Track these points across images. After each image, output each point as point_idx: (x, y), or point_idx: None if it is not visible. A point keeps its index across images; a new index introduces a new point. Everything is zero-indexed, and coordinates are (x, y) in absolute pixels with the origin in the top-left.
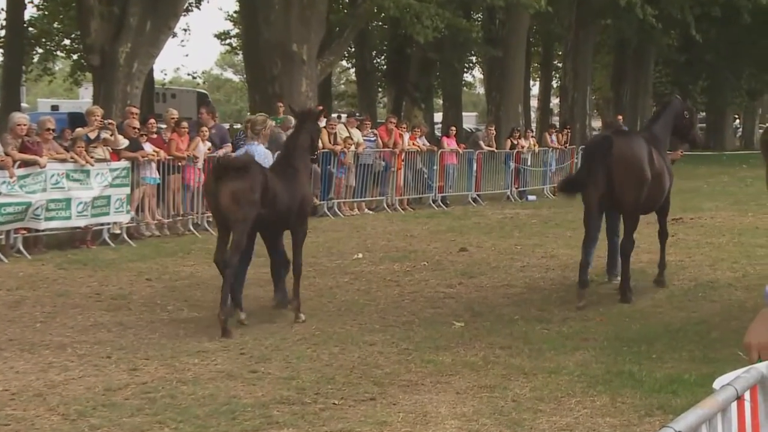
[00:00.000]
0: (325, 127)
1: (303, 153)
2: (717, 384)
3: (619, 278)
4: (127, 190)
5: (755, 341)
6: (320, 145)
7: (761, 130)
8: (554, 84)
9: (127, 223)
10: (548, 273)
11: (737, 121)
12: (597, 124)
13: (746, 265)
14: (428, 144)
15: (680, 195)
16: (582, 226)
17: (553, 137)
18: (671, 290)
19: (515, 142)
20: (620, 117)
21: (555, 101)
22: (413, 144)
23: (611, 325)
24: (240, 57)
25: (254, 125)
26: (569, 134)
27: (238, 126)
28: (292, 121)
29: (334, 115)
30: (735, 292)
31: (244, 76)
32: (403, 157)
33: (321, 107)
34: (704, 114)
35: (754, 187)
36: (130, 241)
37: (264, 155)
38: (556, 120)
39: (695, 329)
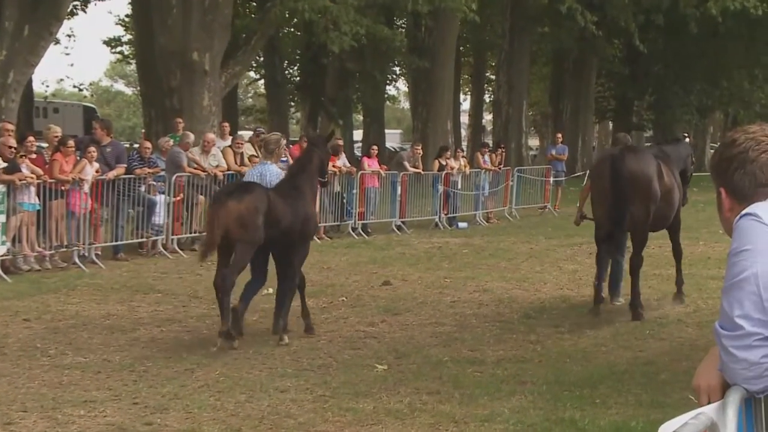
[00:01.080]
0: (230, 146)
1: (310, 175)
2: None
3: (621, 299)
4: (2, 218)
5: (704, 383)
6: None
7: (713, 151)
8: (487, 98)
9: (2, 256)
10: (481, 309)
11: (687, 140)
12: (534, 142)
13: (697, 299)
14: (347, 165)
15: None
16: (518, 257)
17: (486, 157)
18: (616, 328)
19: (444, 163)
20: (559, 135)
21: (488, 117)
22: (331, 165)
23: (551, 366)
24: (133, 67)
25: (267, 144)
26: (504, 154)
27: (136, 145)
28: (191, 137)
29: (241, 133)
30: (685, 329)
31: (138, 88)
32: None
33: (331, 131)
34: (651, 132)
35: (705, 213)
36: (5, 276)
37: (278, 174)
38: (489, 138)
39: (642, 371)
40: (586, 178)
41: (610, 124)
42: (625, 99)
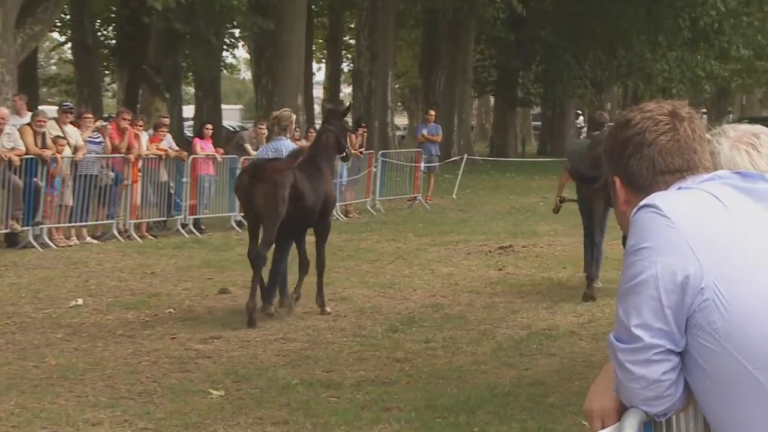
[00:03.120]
0: (29, 125)
1: (328, 153)
2: None
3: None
4: None
5: (597, 406)
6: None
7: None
8: (345, 68)
9: None
10: (338, 321)
11: (581, 118)
12: (402, 120)
13: (593, 306)
14: (176, 148)
15: (510, 216)
16: (383, 258)
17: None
18: (498, 341)
19: None
20: (432, 112)
21: (346, 90)
22: (156, 148)
23: (420, 389)
24: None
25: (280, 121)
26: (365, 135)
27: None
28: None
29: (43, 108)
30: (579, 342)
31: None
32: (140, 165)
33: (348, 104)
34: (539, 109)
35: None
36: None
37: (293, 149)
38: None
39: (528, 392)
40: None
41: (492, 99)
42: (509, 69)
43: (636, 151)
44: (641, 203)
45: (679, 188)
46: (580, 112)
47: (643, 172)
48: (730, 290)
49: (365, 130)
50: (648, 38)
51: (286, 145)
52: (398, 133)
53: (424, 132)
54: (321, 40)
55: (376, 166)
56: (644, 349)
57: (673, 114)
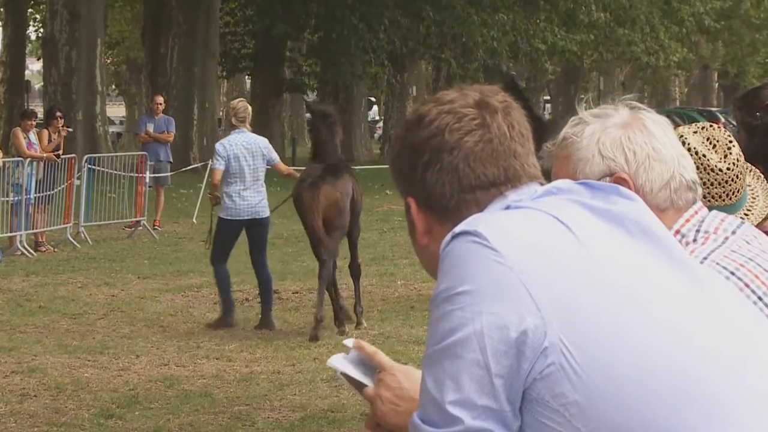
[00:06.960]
0: None
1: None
2: None
3: None
4: None
5: None
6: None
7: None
8: (33, 34)
9: None
10: (25, 404)
11: (375, 108)
12: (117, 111)
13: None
14: None
15: (275, 248)
16: (91, 311)
17: (32, 136)
18: (258, 429)
19: None
20: (160, 99)
21: (35, 67)
22: None
23: None
24: None
25: (237, 112)
26: (62, 130)
27: None
28: None
29: None
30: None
31: None
32: None
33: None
34: (315, 94)
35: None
36: None
37: (265, 142)
38: (37, 103)
39: None
40: None
41: (248, 81)
42: (272, 39)
43: (433, 160)
44: (457, 230)
45: (507, 207)
46: (373, 99)
47: (445, 189)
48: (584, 350)
49: (63, 123)
50: None
51: (253, 138)
52: (112, 129)
53: (150, 127)
54: None
55: (79, 178)
56: None
57: (481, 104)
